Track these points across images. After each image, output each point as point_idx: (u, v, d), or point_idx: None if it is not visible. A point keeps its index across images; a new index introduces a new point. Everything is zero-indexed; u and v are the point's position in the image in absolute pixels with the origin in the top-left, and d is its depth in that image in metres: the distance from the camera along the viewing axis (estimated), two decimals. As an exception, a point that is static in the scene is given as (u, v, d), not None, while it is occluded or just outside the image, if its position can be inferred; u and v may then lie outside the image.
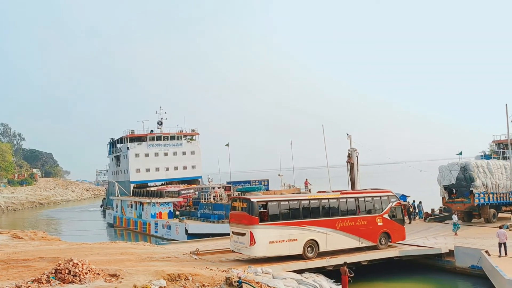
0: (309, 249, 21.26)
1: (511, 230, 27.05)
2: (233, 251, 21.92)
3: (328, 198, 22.74)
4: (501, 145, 43.94)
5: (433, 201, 37.30)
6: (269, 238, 20.48)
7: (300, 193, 40.42)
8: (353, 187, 31.31)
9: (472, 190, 29.97)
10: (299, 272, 20.02)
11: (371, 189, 25.83)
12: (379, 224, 23.46)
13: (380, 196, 24.14)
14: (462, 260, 21.74)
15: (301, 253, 21.12)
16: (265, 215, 20.73)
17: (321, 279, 19.83)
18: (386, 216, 23.77)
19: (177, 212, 44.29)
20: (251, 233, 20.23)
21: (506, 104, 29.75)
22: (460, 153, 37.77)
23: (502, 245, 20.71)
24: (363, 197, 23.66)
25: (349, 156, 31.76)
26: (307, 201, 22.08)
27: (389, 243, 23.70)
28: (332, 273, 20.86)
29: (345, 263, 19.94)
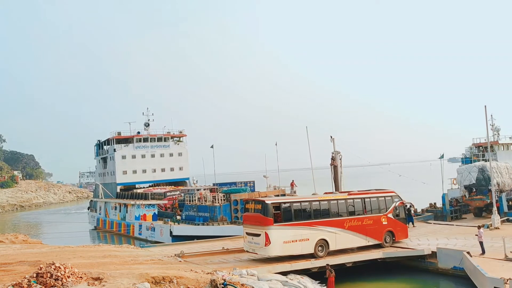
0: (320, 248, 22.16)
1: (491, 230, 27.71)
2: (247, 251, 22.55)
3: (337, 199, 23.70)
4: (480, 148, 44.80)
5: (415, 201, 37.75)
6: (283, 238, 21.32)
7: (285, 195, 40.66)
8: (337, 189, 31.51)
9: (490, 189, 32.46)
10: (284, 273, 20.07)
11: (375, 189, 26.80)
12: (384, 223, 24.54)
13: (384, 197, 25.28)
14: (445, 261, 22.06)
15: (313, 252, 21.97)
16: (278, 216, 21.53)
17: (306, 280, 19.90)
18: (390, 215, 24.93)
19: (178, 217, 41.55)
20: (266, 234, 21.00)
21: (485, 106, 30.27)
22: (442, 156, 38.69)
23: (481, 243, 21.71)
24: (369, 197, 24.72)
25: (333, 158, 31.94)
26: (318, 203, 22.96)
27: (393, 241, 24.75)
28: (317, 274, 20.97)
29: (327, 265, 20.13)
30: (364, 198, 24.48)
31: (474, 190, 34.88)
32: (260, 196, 38.40)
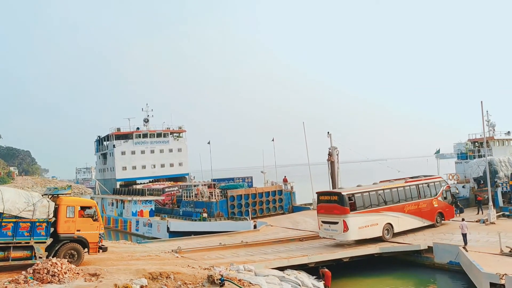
0: (386, 231, 24.70)
1: (487, 225, 27.86)
2: (324, 238, 24.90)
3: (397, 187, 26.30)
4: (476, 143, 44.98)
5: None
6: (358, 224, 23.75)
7: (282, 190, 40.79)
8: (334, 184, 31.63)
9: (496, 181, 35.65)
10: (281, 269, 20.10)
11: (424, 176, 29.35)
12: (435, 205, 27.78)
13: (434, 182, 28.38)
14: (441, 256, 22.19)
15: (381, 235, 24.48)
16: (353, 205, 23.91)
17: (303, 275, 19.93)
18: (439, 198, 28.19)
19: (204, 214, 38.58)
20: (344, 222, 23.41)
21: (482, 102, 30.42)
22: (438, 152, 39.11)
23: (464, 236, 22.32)
24: (422, 184, 27.66)
25: (330, 154, 32.03)
26: (382, 191, 25.56)
27: (443, 221, 28.02)
28: (313, 270, 21.02)
29: (320, 266, 20.53)
30: (418, 184, 27.26)
31: (482, 182, 36.84)
32: (257, 191, 39.11)
